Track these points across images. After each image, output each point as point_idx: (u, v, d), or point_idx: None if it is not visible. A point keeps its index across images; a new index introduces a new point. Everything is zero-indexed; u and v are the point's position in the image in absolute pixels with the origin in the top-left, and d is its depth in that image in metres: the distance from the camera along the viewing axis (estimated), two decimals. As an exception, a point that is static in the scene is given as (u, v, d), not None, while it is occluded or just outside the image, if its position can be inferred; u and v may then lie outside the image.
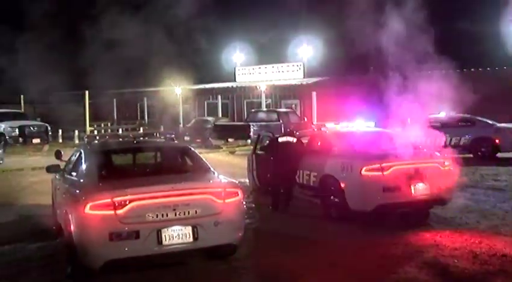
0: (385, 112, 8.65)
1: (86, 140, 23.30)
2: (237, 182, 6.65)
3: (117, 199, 5.52)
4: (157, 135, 27.00)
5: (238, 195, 6.13)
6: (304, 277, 5.87)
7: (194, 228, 5.71)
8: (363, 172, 7.95)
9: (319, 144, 9.77)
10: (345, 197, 8.14)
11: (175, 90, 32.16)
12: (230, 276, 5.97)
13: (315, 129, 11.68)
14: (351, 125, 10.20)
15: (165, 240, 5.61)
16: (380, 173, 7.88)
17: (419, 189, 7.92)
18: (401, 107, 8.09)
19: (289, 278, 5.89)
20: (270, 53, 35.17)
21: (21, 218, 9.17)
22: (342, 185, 8.21)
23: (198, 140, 23.69)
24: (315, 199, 9.01)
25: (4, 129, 22.80)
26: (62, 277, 5.94)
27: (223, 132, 24.91)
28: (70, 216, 5.92)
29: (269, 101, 32.45)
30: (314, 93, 30.17)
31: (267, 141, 10.64)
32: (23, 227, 8.46)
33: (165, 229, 5.61)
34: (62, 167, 7.61)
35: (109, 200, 5.51)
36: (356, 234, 7.52)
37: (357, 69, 25.74)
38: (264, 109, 29.19)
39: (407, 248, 6.76)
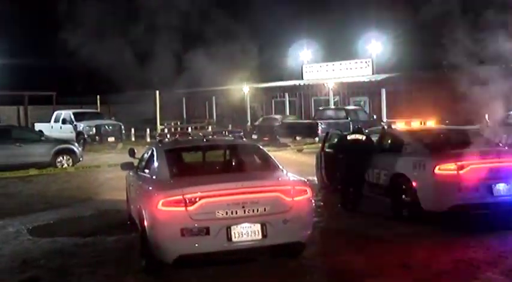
0: (459, 109, 8.27)
1: (157, 138, 24.08)
2: (305, 180, 6.60)
3: (188, 196, 5.64)
4: (226, 133, 27.41)
5: (307, 193, 6.09)
6: (376, 278, 5.71)
7: (263, 226, 5.73)
8: (437, 171, 7.63)
9: (389, 141, 9.50)
10: (417, 196, 7.86)
11: (243, 89, 32.50)
12: (300, 275, 5.91)
13: (386, 127, 11.37)
14: (419, 122, 9.83)
15: (235, 237, 5.65)
16: (455, 172, 7.54)
17: (501, 190, 7.49)
18: (478, 103, 7.69)
19: (359, 278, 5.75)
20: (337, 50, 34.69)
21: (99, 212, 9.64)
22: (414, 184, 7.93)
23: (265, 138, 23.80)
24: (386, 198, 8.76)
25: (83, 128, 23.98)
26: (136, 269, 6.16)
27: (291, 130, 24.81)
28: (143, 211, 6.13)
29: (337, 98, 31.99)
30: (383, 90, 29.44)
31: (336, 139, 10.49)
32: (101, 221, 8.88)
33: (235, 226, 5.66)
34: (135, 164, 7.92)
35: (180, 197, 5.64)
36: (430, 236, 7.21)
37: (428, 65, 24.80)
38: (332, 107, 28.77)
39: (489, 252, 6.35)
